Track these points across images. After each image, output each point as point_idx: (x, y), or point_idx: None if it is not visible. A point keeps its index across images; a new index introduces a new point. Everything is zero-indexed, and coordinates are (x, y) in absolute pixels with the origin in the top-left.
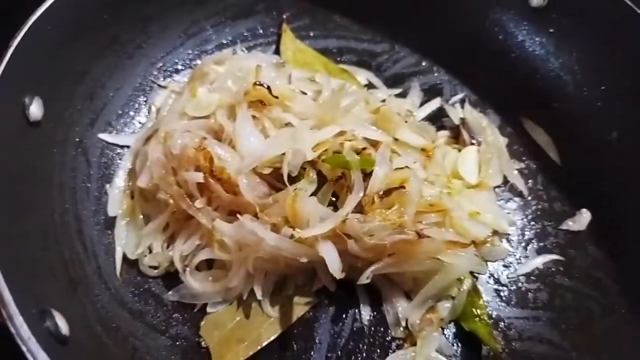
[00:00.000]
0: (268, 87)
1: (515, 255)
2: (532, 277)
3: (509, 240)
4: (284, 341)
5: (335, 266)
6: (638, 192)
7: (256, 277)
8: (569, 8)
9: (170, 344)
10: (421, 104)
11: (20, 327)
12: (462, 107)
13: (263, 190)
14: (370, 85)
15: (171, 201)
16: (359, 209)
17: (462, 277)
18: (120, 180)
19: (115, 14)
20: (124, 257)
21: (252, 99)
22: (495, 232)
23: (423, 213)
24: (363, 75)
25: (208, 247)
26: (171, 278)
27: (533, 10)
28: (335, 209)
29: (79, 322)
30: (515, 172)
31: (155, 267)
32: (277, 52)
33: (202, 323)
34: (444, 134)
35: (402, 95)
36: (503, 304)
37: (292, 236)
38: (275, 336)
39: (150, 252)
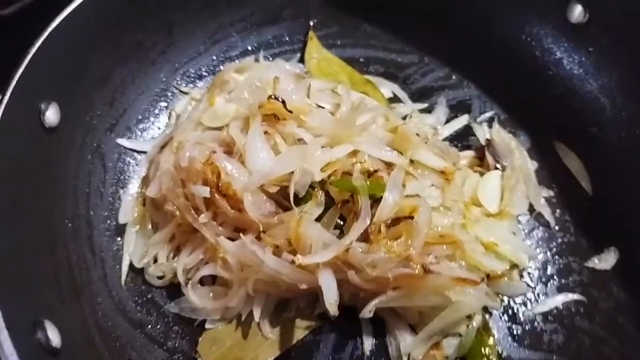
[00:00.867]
0: (283, 101)
1: (534, 292)
2: (549, 317)
3: (528, 275)
4: None
5: (331, 299)
6: None
7: (256, 298)
8: (610, 26)
9: (166, 358)
10: (447, 121)
11: (4, 342)
12: (490, 126)
13: (269, 208)
14: (395, 99)
15: (177, 213)
16: (365, 237)
17: (472, 314)
18: (134, 187)
19: (139, 19)
20: (130, 265)
21: (267, 112)
22: (514, 266)
23: (433, 245)
24: (388, 88)
25: (211, 262)
26: (175, 289)
27: (572, 27)
28: (342, 232)
29: (76, 331)
30: (543, 200)
31: (160, 277)
32: (301, 60)
33: (200, 339)
34: (468, 154)
35: (428, 110)
36: (515, 343)
37: (293, 261)
38: (273, 358)
39: (156, 261)
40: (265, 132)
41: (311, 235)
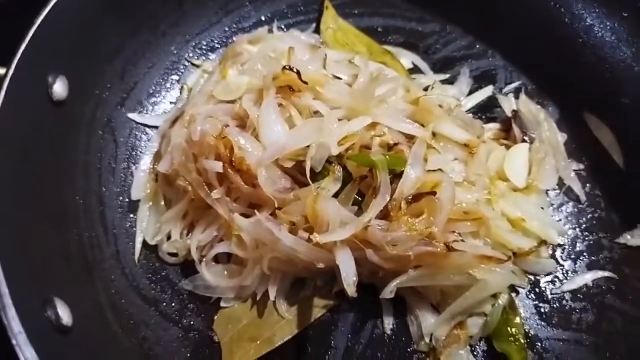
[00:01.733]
0: (297, 72)
1: (562, 269)
2: (579, 295)
3: (557, 252)
4: (299, 343)
5: (350, 279)
6: None
7: (271, 277)
8: None
9: (181, 336)
10: (470, 92)
11: (12, 320)
12: (517, 97)
13: (284, 184)
14: (415, 70)
15: (190, 188)
16: (384, 214)
17: (498, 293)
18: (146, 162)
19: None
20: (144, 242)
21: (281, 84)
22: (542, 242)
23: (456, 221)
24: (408, 58)
25: (226, 240)
26: (189, 267)
27: None
28: (360, 209)
29: (89, 309)
30: (573, 174)
31: (174, 254)
32: (317, 30)
33: (216, 317)
34: (493, 127)
35: (450, 81)
36: (543, 322)
37: (309, 239)
38: (290, 337)
39: (169, 238)
40: (280, 105)
41: (328, 213)
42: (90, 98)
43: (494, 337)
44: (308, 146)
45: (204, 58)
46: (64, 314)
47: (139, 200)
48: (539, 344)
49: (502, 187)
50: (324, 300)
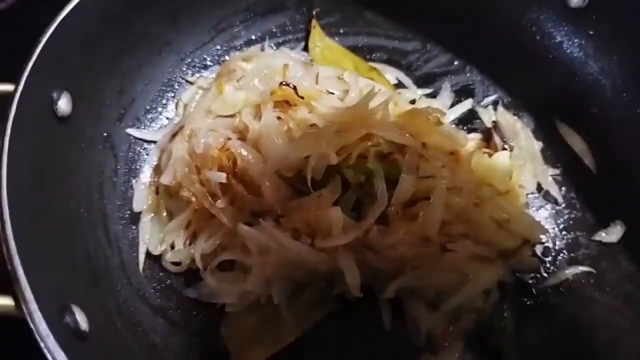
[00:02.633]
0: (294, 87)
1: (544, 266)
2: (561, 289)
3: (539, 250)
4: (303, 344)
5: (354, 280)
6: None
7: (274, 282)
8: (610, 10)
9: (189, 341)
10: (452, 105)
11: (40, 324)
12: (495, 109)
13: (286, 193)
14: (399, 85)
15: (193, 199)
16: (382, 218)
17: (489, 289)
18: (146, 175)
19: (145, 9)
20: (147, 253)
21: (278, 98)
22: (526, 242)
23: (449, 224)
24: (393, 74)
25: (229, 248)
26: (193, 275)
27: (572, 11)
28: (359, 214)
29: (100, 318)
30: (550, 178)
31: (177, 264)
32: (306, 49)
33: (222, 322)
34: (475, 136)
35: (433, 95)
36: (530, 315)
37: (313, 244)
38: (294, 338)
39: (173, 248)
40: (278, 118)
41: (330, 218)
42: (91, 114)
43: (487, 332)
44: (308, 157)
45: (198, 75)
46: (82, 320)
47: (140, 212)
48: (527, 336)
49: (487, 192)
50: (325, 303)
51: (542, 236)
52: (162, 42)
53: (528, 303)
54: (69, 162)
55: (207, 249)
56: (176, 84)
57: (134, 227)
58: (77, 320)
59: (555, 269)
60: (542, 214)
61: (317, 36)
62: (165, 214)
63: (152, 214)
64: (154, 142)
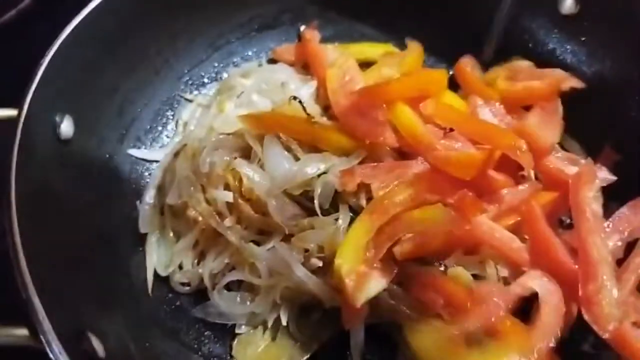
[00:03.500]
0: (300, 102)
1: None
2: None
3: None
4: None
5: (358, 346)
6: None
7: (282, 305)
8: (601, 16)
9: None
10: None
11: (60, 354)
12: None
13: (292, 211)
14: None
15: (200, 219)
16: None
17: None
18: (149, 196)
19: (143, 30)
20: (156, 274)
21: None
22: None
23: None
24: None
25: (237, 267)
26: (202, 295)
27: (564, 18)
28: None
29: (113, 342)
30: None
31: (186, 284)
32: None
33: (234, 342)
34: None
35: None
36: None
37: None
38: (306, 357)
39: (181, 268)
40: (279, 138)
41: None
42: (92, 136)
43: None
44: (314, 177)
45: (196, 92)
46: (98, 347)
47: (146, 234)
48: None
49: None
50: (334, 321)
51: None
52: (160, 62)
53: None
54: (74, 184)
55: (216, 268)
56: (175, 102)
57: (140, 249)
58: (94, 347)
59: None
60: None
61: None
62: (171, 234)
63: (158, 235)
64: (156, 161)
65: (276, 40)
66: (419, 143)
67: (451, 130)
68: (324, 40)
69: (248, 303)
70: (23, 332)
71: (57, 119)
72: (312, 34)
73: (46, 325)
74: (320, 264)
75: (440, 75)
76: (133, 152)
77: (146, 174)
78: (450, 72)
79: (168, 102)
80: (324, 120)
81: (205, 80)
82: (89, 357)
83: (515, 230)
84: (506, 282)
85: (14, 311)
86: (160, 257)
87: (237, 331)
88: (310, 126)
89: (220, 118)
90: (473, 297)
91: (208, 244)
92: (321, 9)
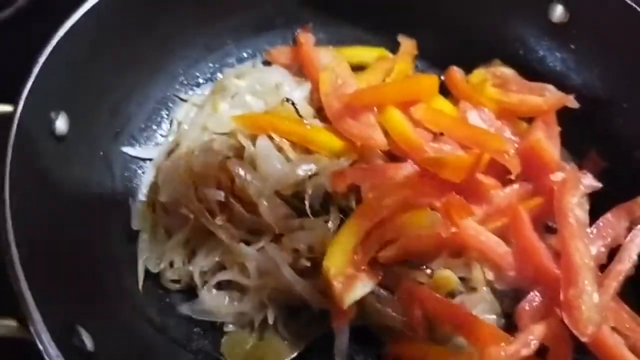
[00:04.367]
0: (293, 104)
1: None
2: None
3: None
4: None
5: (342, 349)
6: None
7: (270, 305)
8: (590, 25)
9: (192, 359)
10: None
11: (49, 345)
12: None
13: (283, 211)
14: None
15: (192, 216)
16: None
17: None
18: (142, 194)
19: (138, 30)
20: (147, 271)
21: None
22: None
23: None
24: None
25: (228, 266)
26: (192, 292)
27: (554, 26)
28: None
29: (103, 338)
30: None
31: (176, 281)
32: None
33: (223, 340)
34: None
35: None
36: None
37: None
38: (293, 356)
39: (172, 266)
40: (270, 138)
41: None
42: (87, 133)
43: None
44: (306, 177)
45: (191, 92)
46: (87, 340)
47: (138, 231)
48: None
49: None
50: (323, 321)
51: None
52: (155, 61)
53: None
54: (68, 181)
55: (206, 266)
56: (170, 102)
57: (132, 246)
58: (84, 341)
59: None
60: None
61: None
62: (163, 231)
63: (150, 232)
64: (150, 159)
65: (271, 42)
66: (408, 146)
67: (441, 134)
68: (319, 42)
69: (236, 303)
70: (12, 323)
71: (53, 115)
72: (306, 37)
73: (36, 317)
74: (309, 264)
75: (431, 80)
76: (127, 150)
77: (139, 172)
78: (442, 77)
79: (163, 101)
80: (317, 122)
81: (200, 80)
82: (79, 351)
83: (501, 233)
84: (492, 285)
85: (3, 303)
86: (151, 254)
87: (225, 329)
88: (302, 128)
89: (214, 118)
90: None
91: (199, 242)
92: (316, 12)
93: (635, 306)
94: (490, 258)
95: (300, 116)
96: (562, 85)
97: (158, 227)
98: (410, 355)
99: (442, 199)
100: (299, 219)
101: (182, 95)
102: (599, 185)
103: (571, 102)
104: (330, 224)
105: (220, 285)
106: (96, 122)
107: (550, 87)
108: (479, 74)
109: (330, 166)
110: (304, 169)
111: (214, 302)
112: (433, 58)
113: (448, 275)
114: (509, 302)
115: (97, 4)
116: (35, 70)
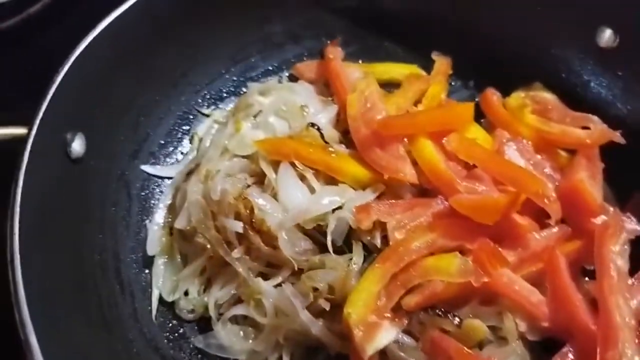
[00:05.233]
0: (318, 129)
1: None
2: None
3: None
4: None
5: None
6: None
7: (285, 346)
8: None
9: None
10: None
11: None
12: None
13: (304, 246)
14: None
15: (209, 246)
16: None
17: None
18: (159, 216)
19: (161, 42)
20: (160, 299)
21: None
22: None
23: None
24: None
25: (244, 299)
26: (206, 324)
27: (602, 50)
28: None
29: None
30: None
31: (191, 311)
32: None
33: None
34: None
35: None
36: None
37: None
38: None
39: (187, 295)
40: (293, 166)
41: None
42: (105, 152)
43: None
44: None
45: (213, 107)
46: None
47: (153, 256)
48: None
49: None
50: None
51: None
52: (178, 75)
53: None
54: (81, 203)
55: (222, 298)
56: (191, 116)
57: (146, 271)
58: None
59: None
60: None
61: None
62: (179, 257)
63: (166, 258)
64: (169, 178)
65: (298, 55)
66: (439, 181)
67: (474, 166)
68: (348, 56)
69: (250, 340)
70: None
71: (69, 137)
72: (335, 52)
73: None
74: (328, 306)
75: (465, 109)
76: (146, 168)
77: (157, 190)
78: (476, 99)
79: (184, 116)
80: (342, 147)
81: (224, 94)
82: None
83: (536, 278)
84: (524, 337)
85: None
86: (166, 281)
87: None
88: (327, 156)
89: (236, 139)
90: None
91: (215, 272)
92: (346, 24)
93: None
94: (523, 307)
95: (326, 142)
96: (606, 114)
97: (174, 251)
98: None
99: (474, 243)
100: (320, 255)
101: (205, 110)
102: None
103: (617, 137)
104: (353, 265)
105: (235, 319)
106: (114, 140)
107: (595, 118)
108: (517, 97)
109: (355, 199)
110: (328, 202)
111: (228, 337)
112: (468, 76)
113: (477, 326)
114: (539, 350)
115: (116, 19)
116: (51, 90)
